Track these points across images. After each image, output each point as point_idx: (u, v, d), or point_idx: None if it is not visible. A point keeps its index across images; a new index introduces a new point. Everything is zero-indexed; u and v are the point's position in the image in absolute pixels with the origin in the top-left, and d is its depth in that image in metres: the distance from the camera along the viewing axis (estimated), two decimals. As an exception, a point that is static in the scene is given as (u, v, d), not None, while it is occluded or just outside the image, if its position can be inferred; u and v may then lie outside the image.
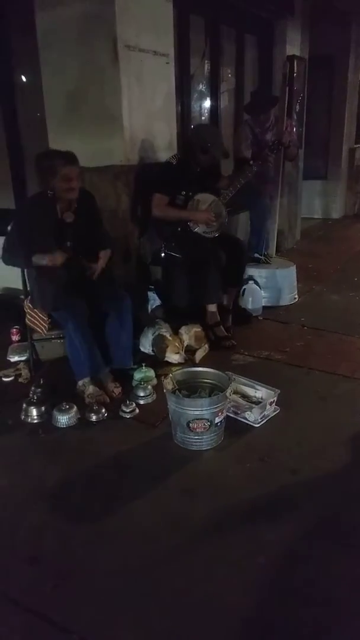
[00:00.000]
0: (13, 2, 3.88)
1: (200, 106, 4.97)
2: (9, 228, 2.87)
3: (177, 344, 3.17)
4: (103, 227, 3.08)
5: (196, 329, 3.36)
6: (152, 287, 3.68)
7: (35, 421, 2.64)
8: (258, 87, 5.41)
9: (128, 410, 2.68)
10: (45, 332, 2.92)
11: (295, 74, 5.29)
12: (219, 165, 3.74)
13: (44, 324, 2.91)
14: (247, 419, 2.58)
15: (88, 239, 2.89)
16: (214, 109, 5.02)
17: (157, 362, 3.11)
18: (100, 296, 2.89)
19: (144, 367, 2.93)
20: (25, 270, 2.98)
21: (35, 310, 2.94)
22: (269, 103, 4.54)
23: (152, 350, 3.21)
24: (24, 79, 4.21)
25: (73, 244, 2.80)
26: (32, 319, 2.98)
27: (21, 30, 3.87)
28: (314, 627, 1.57)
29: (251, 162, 3.87)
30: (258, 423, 2.56)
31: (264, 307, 4.06)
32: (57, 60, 3.49)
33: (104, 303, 2.89)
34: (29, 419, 2.65)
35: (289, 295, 4.29)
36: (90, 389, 2.77)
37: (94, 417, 2.64)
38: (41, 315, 2.92)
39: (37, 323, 2.94)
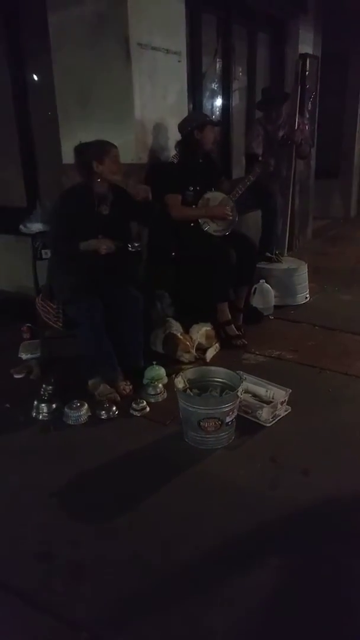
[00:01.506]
0: (25, 2, 3.89)
1: (212, 104, 4.95)
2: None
3: (187, 343, 3.16)
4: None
5: (207, 327, 3.36)
6: (163, 285, 3.68)
7: (46, 418, 2.66)
8: (269, 84, 5.39)
9: (138, 409, 2.68)
10: (61, 327, 2.94)
11: (307, 72, 5.27)
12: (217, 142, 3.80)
13: (58, 319, 2.92)
14: (258, 419, 2.57)
15: (119, 233, 2.93)
16: (225, 107, 5.01)
17: (168, 361, 3.10)
18: (113, 295, 2.90)
19: (154, 366, 2.93)
20: (49, 260, 3.03)
21: (49, 305, 2.96)
22: (280, 99, 4.52)
23: (163, 349, 3.20)
24: (35, 78, 4.22)
25: (105, 236, 2.85)
26: (46, 313, 2.99)
27: (33, 30, 3.87)
28: (327, 625, 1.56)
29: (260, 158, 3.85)
30: (269, 423, 2.55)
31: (275, 307, 4.04)
32: (69, 59, 3.50)
33: (117, 302, 2.90)
34: (40, 416, 2.66)
35: (300, 295, 4.26)
36: (102, 387, 2.78)
37: (104, 415, 2.64)
38: (55, 311, 2.93)
39: (52, 318, 2.96)
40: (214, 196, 3.54)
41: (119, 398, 2.76)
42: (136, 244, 2.96)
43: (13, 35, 4.07)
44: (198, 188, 3.49)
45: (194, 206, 3.49)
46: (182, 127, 3.50)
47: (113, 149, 2.85)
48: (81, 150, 2.86)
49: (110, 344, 2.81)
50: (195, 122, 3.46)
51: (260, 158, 3.82)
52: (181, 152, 3.51)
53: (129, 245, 2.91)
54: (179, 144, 3.52)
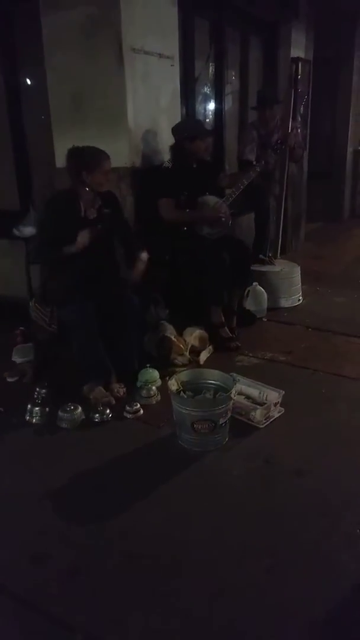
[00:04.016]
0: (18, 6, 3.90)
1: (205, 108, 4.98)
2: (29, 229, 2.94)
3: (181, 345, 3.17)
4: (130, 227, 3.17)
5: (200, 330, 3.37)
6: (157, 288, 3.68)
7: (40, 422, 2.65)
8: (263, 85, 5.43)
9: (132, 411, 2.68)
10: (55, 330, 2.94)
11: (300, 76, 5.30)
12: (210, 148, 3.79)
13: (52, 322, 2.93)
14: (251, 420, 2.58)
15: (108, 237, 2.93)
16: (218, 111, 5.03)
17: (162, 364, 3.10)
18: (107, 297, 2.90)
19: (148, 369, 2.93)
20: (39, 265, 3.03)
21: (42, 309, 2.96)
22: (273, 99, 4.55)
23: (157, 351, 3.21)
24: (29, 81, 4.22)
25: (92, 241, 2.83)
26: (39, 317, 2.99)
27: (26, 34, 3.88)
28: (318, 621, 1.57)
29: (254, 163, 3.87)
30: (262, 424, 2.56)
31: (268, 309, 4.06)
32: (62, 63, 3.51)
33: (111, 304, 2.90)
34: (34, 420, 2.66)
35: (293, 297, 4.29)
36: (97, 390, 2.78)
37: (98, 418, 2.64)
38: (49, 314, 2.93)
39: (46, 321, 2.96)
40: (208, 200, 3.55)
41: (114, 402, 2.77)
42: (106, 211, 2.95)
43: (6, 39, 4.08)
44: (192, 192, 3.50)
45: (187, 210, 3.50)
46: (174, 132, 3.52)
47: (105, 162, 2.82)
48: (74, 154, 2.85)
49: (102, 346, 2.80)
50: (186, 132, 3.45)
51: (254, 163, 3.84)
52: (173, 158, 3.52)
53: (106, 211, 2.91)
54: (171, 149, 3.53)
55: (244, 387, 2.75)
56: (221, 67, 4.93)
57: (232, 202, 3.63)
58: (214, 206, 3.53)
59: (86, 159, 2.81)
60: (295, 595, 1.66)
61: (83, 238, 2.79)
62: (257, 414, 2.56)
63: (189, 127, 3.54)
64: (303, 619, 1.59)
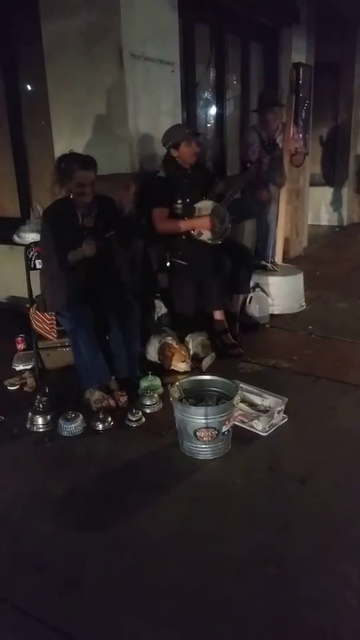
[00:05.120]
0: (19, 13, 3.91)
1: (206, 114, 4.98)
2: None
3: (183, 352, 3.15)
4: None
5: (202, 337, 3.34)
6: (158, 295, 3.67)
7: (41, 430, 2.63)
8: (265, 89, 5.43)
9: (134, 419, 2.66)
10: (55, 337, 2.92)
11: (301, 81, 5.28)
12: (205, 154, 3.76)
13: (52, 329, 2.91)
14: (254, 428, 2.55)
15: (105, 244, 2.90)
16: (219, 117, 5.03)
17: (164, 371, 3.08)
18: (108, 303, 2.88)
19: (150, 376, 2.91)
20: (40, 271, 3.03)
21: (43, 316, 2.94)
22: (274, 101, 4.55)
23: (158, 358, 3.19)
24: (29, 88, 4.23)
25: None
26: (40, 324, 2.98)
27: (27, 40, 3.89)
28: (321, 629, 1.56)
29: (248, 164, 3.86)
30: (266, 432, 2.53)
31: (271, 315, 4.03)
32: (62, 70, 3.51)
33: (112, 310, 2.88)
34: (35, 428, 2.64)
35: (297, 303, 4.26)
36: (97, 394, 2.76)
37: (100, 426, 2.62)
38: (49, 321, 2.92)
39: (46, 329, 2.94)
40: (205, 205, 3.52)
41: (114, 404, 2.74)
42: (111, 232, 2.91)
43: (7, 45, 4.09)
44: (188, 200, 3.47)
45: (186, 218, 3.47)
46: (162, 142, 3.49)
47: (79, 172, 2.74)
48: (58, 162, 2.84)
49: (103, 353, 2.78)
50: (170, 140, 3.42)
51: (248, 164, 3.83)
52: (165, 167, 3.49)
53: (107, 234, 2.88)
54: (163, 159, 3.51)
55: (247, 394, 2.72)
56: (222, 73, 4.94)
57: (233, 206, 3.61)
58: (212, 211, 3.50)
59: (65, 168, 2.78)
60: (299, 603, 1.63)
61: (90, 250, 2.76)
62: (260, 422, 2.53)
63: (170, 135, 3.45)
64: (306, 628, 1.56)
